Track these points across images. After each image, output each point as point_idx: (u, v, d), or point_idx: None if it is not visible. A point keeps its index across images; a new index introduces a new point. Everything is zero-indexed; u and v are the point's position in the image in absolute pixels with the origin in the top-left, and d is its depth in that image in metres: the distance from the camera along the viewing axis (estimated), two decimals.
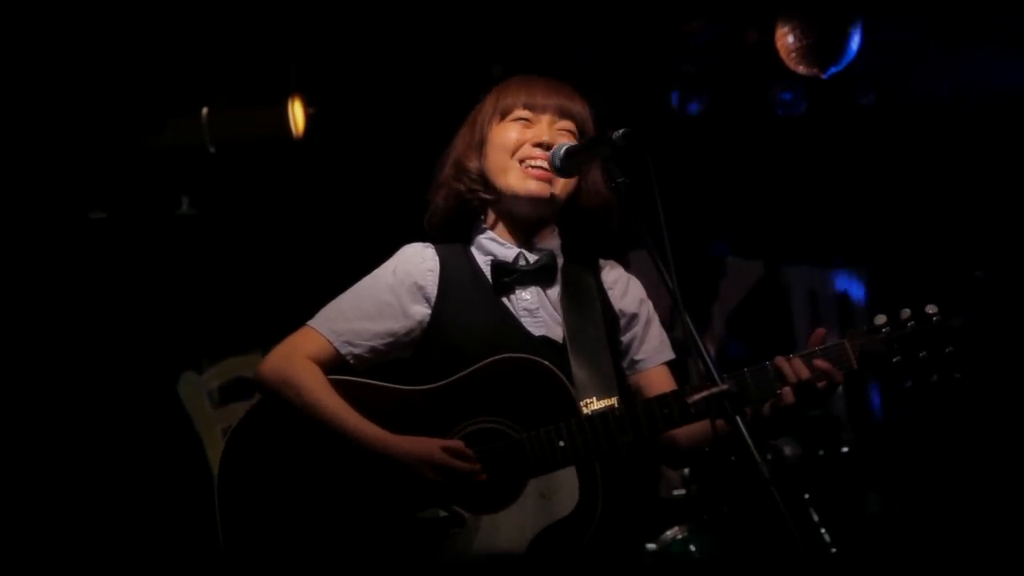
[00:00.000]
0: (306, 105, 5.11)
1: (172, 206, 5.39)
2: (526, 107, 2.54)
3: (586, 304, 2.55)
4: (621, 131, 2.28)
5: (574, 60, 5.28)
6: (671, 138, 5.71)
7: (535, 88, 2.57)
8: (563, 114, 2.55)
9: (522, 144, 2.52)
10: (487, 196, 2.56)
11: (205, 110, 5.01)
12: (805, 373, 2.28)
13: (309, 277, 5.22)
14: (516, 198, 2.52)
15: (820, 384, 2.29)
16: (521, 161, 2.51)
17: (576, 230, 2.63)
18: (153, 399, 5.31)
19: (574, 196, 2.58)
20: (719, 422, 2.07)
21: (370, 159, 5.46)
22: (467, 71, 5.16)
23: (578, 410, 2.37)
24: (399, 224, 2.72)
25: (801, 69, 5.23)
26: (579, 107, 2.58)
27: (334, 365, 2.48)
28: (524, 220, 2.57)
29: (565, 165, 2.45)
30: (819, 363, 2.29)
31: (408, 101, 5.31)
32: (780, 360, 2.31)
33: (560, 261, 2.60)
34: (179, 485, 5.12)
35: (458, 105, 2.72)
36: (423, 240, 2.63)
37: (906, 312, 2.32)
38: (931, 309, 2.31)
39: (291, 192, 5.47)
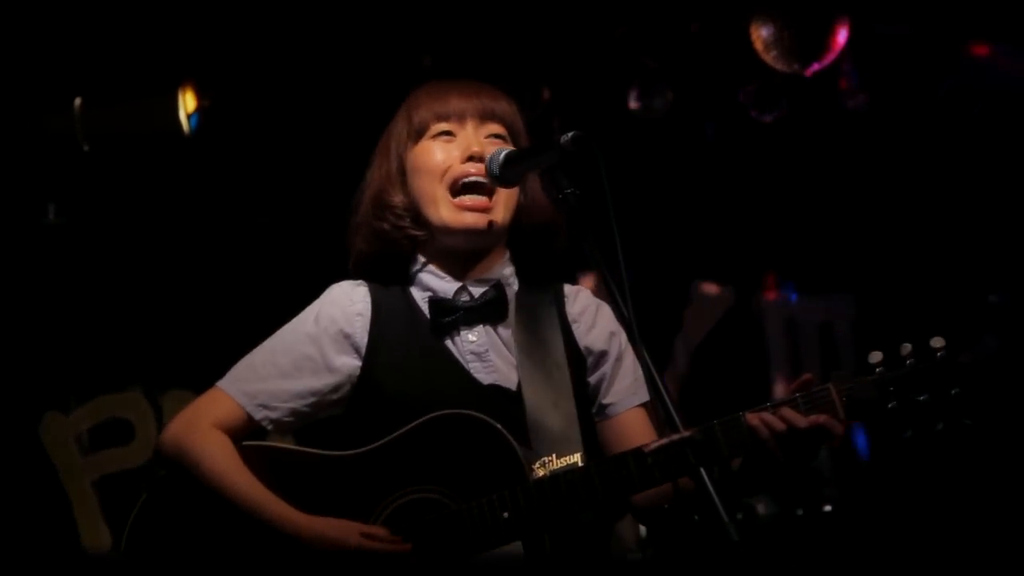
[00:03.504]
0: (199, 96, 5.08)
1: (36, 214, 5.32)
2: (440, 118, 2.56)
3: (545, 343, 2.55)
4: (570, 135, 2.30)
5: (516, 51, 5.31)
6: (628, 142, 5.76)
7: (448, 94, 2.58)
8: (487, 116, 2.57)
9: (449, 164, 2.53)
10: (417, 233, 2.57)
11: (78, 101, 4.97)
12: (781, 426, 2.27)
13: (200, 300, 5.18)
14: (451, 232, 2.54)
15: (807, 439, 2.28)
16: (453, 184, 2.52)
17: (527, 253, 2.65)
18: (9, 445, 5.21)
19: (518, 214, 2.59)
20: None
21: (276, 161, 5.44)
22: (392, 60, 5.17)
23: (525, 475, 2.36)
24: (308, 234, 2.73)
25: (780, 66, 5.30)
26: (504, 105, 2.60)
27: (247, 432, 2.51)
28: (464, 252, 2.59)
29: (504, 173, 2.46)
30: (813, 419, 2.27)
31: (323, 92, 5.30)
32: (752, 416, 2.29)
33: (513, 291, 2.61)
34: (40, 550, 5.02)
35: (381, 98, 2.75)
36: (341, 260, 2.64)
37: (907, 347, 2.28)
38: (937, 343, 2.26)
39: (180, 198, 5.43)
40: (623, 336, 2.63)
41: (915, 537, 5.87)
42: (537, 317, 2.58)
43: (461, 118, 2.56)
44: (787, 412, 2.28)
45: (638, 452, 2.30)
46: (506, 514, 2.33)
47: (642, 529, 4.79)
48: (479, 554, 2.35)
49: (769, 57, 5.27)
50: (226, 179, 5.46)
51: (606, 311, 2.66)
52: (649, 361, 2.13)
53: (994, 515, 5.73)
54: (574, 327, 2.61)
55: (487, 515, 2.34)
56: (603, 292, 2.22)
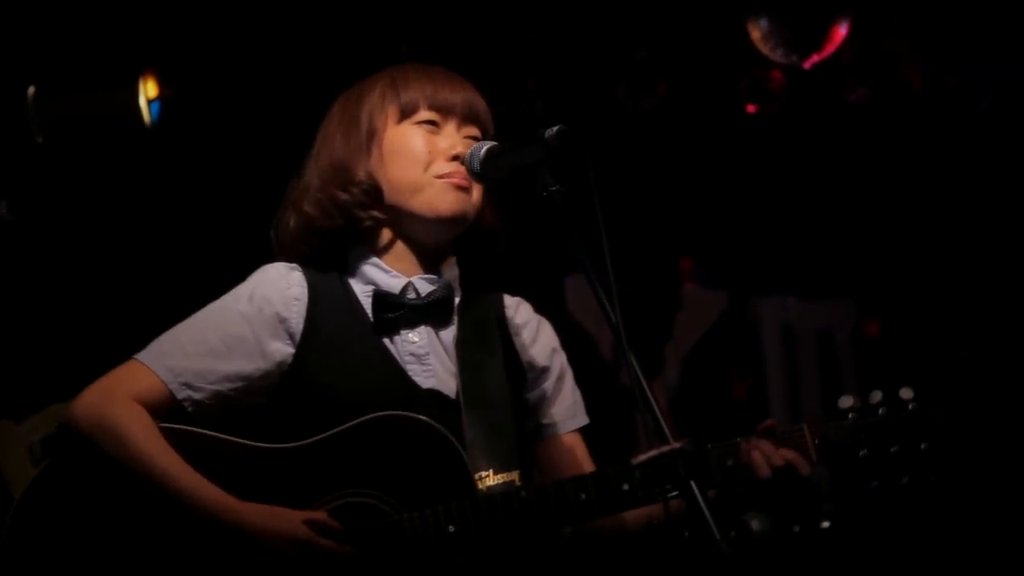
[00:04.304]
0: (161, 84, 5.07)
1: None
2: (431, 106, 2.56)
3: (487, 352, 2.56)
4: (555, 129, 2.29)
5: (500, 40, 5.32)
6: (617, 138, 5.77)
7: (439, 82, 2.58)
8: (469, 117, 2.58)
9: (434, 157, 2.53)
10: (378, 215, 2.55)
11: (31, 90, 4.95)
12: (764, 466, 2.35)
13: (160, 303, 5.15)
14: (434, 221, 2.53)
15: (775, 476, 2.36)
16: (437, 177, 2.53)
17: (473, 256, 2.65)
18: None
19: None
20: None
21: (241, 155, 5.42)
22: (367, 49, 5.17)
23: (472, 486, 2.38)
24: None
25: (778, 57, 5.32)
26: (484, 107, 2.62)
27: (164, 412, 2.43)
28: (425, 246, 2.59)
29: (485, 169, 2.45)
30: (784, 452, 2.36)
31: (292, 83, 5.29)
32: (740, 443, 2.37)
33: (458, 296, 2.61)
34: None
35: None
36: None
37: (877, 395, 2.40)
38: (906, 394, 2.39)
39: (140, 195, 5.41)
40: (563, 356, 2.68)
41: (915, 555, 5.90)
42: (479, 325, 2.59)
43: (449, 112, 2.56)
44: (761, 445, 2.37)
45: (601, 478, 2.34)
46: (452, 528, 2.33)
47: None
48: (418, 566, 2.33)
49: (766, 48, 5.29)
50: (190, 173, 5.45)
51: (547, 327, 2.70)
52: (638, 370, 2.13)
53: (994, 532, 5.76)
54: (515, 339, 2.64)
55: (431, 527, 2.33)
56: (591, 295, 2.22)
